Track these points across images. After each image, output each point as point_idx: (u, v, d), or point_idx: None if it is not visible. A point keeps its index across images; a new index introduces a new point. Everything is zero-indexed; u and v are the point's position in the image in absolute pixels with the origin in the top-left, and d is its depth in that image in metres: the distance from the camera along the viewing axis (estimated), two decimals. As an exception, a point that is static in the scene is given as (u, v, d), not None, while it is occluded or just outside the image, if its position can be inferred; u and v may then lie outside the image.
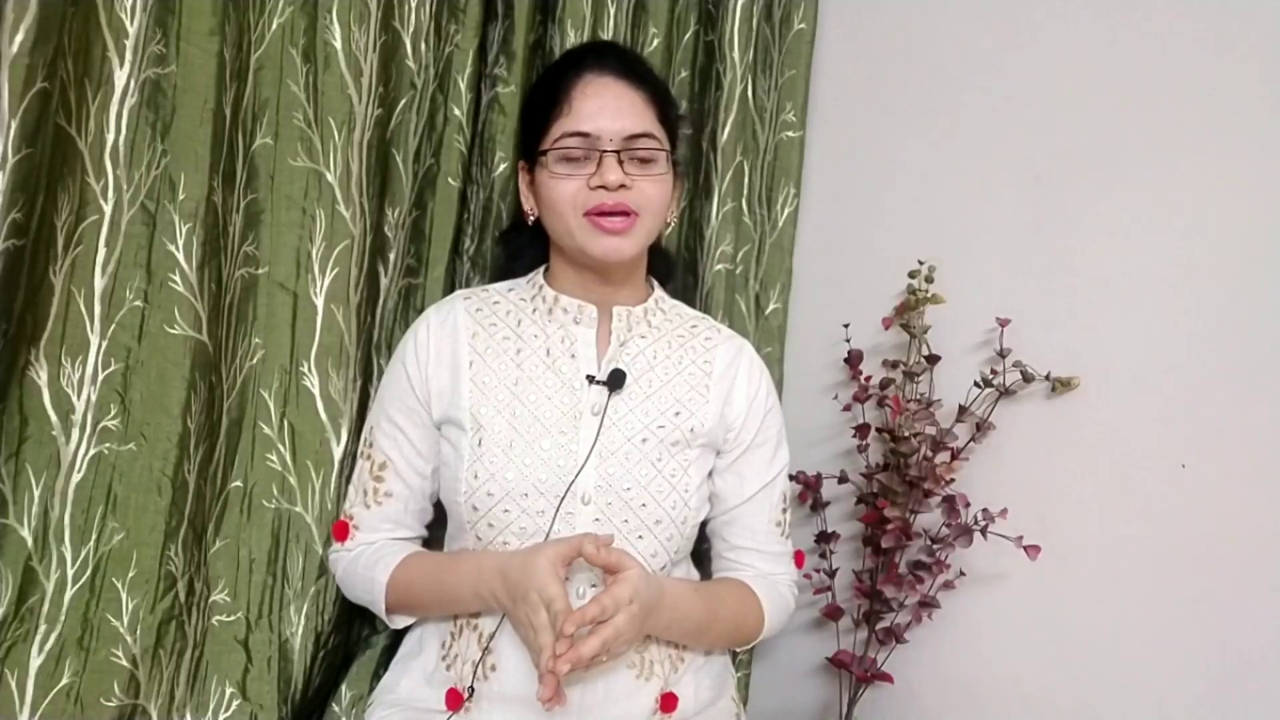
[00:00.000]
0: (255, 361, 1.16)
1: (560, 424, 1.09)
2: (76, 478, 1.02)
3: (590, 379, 1.11)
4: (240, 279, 1.15)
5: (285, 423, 1.16)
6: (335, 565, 1.15)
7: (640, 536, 1.08)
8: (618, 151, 1.06)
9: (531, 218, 1.15)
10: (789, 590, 1.22)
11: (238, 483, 1.15)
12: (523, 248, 1.23)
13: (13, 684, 0.97)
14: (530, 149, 1.12)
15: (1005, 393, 1.27)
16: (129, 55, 1.02)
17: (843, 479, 1.38)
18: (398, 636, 1.19)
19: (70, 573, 1.01)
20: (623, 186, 1.05)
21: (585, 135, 1.06)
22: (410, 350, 1.13)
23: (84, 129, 1.00)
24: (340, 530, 1.14)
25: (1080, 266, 1.25)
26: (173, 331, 1.06)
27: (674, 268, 1.31)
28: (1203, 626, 1.14)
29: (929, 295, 1.31)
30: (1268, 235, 1.12)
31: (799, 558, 1.24)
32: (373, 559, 1.11)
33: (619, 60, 1.12)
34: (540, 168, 1.10)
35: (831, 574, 1.37)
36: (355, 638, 1.27)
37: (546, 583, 0.95)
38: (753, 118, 1.47)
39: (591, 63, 1.10)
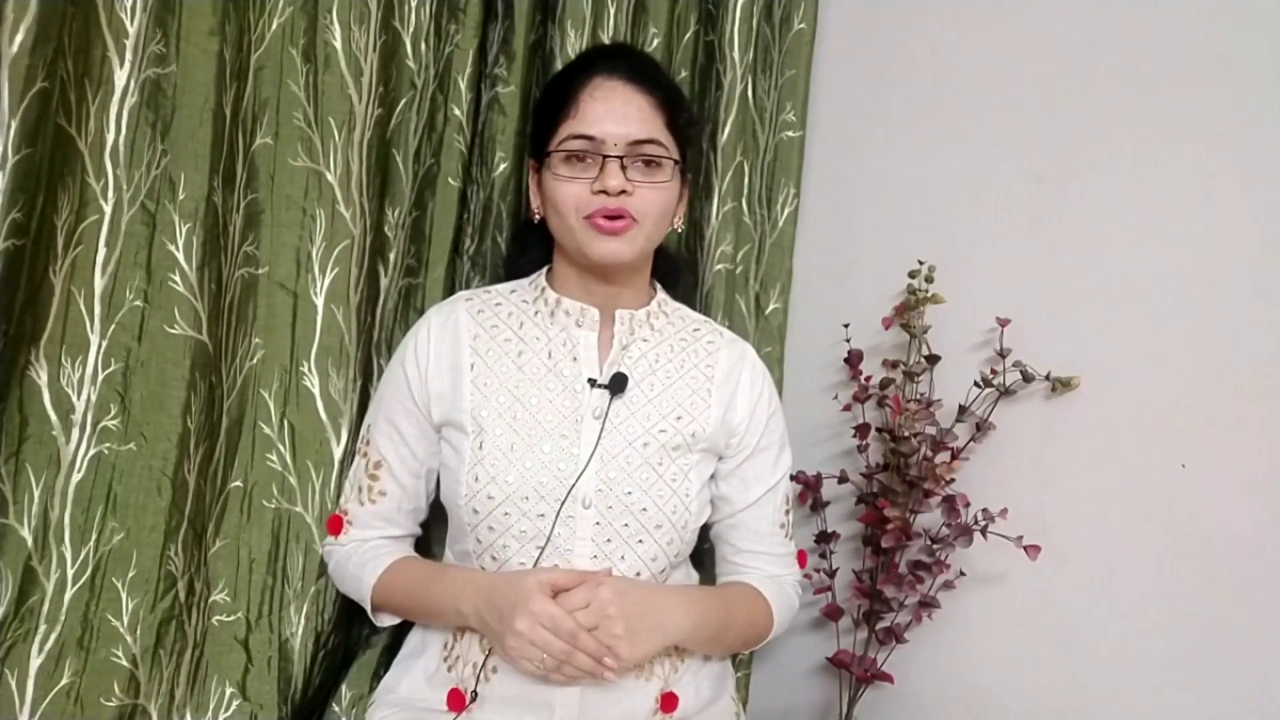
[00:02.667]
0: (255, 361, 1.16)
1: (561, 427, 1.09)
2: (76, 478, 1.02)
3: (592, 382, 1.10)
4: (240, 279, 1.14)
5: (285, 423, 1.16)
6: (329, 558, 1.16)
7: (640, 540, 1.08)
8: (620, 157, 1.05)
9: (536, 216, 1.15)
10: (794, 590, 1.23)
11: (238, 483, 1.15)
12: (530, 245, 1.23)
13: (13, 684, 0.97)
14: (538, 148, 1.12)
15: (1005, 393, 1.27)
16: (129, 55, 1.02)
17: (843, 479, 1.38)
18: (399, 636, 1.19)
19: (70, 573, 1.01)
20: (624, 193, 1.05)
21: (590, 138, 1.06)
22: (411, 352, 1.13)
23: (84, 129, 1.00)
24: (334, 524, 1.15)
25: (1080, 266, 1.25)
26: (173, 331, 1.06)
27: (679, 273, 1.31)
28: (1202, 626, 1.14)
29: (929, 295, 1.31)
30: (1268, 235, 1.12)
31: (801, 557, 1.25)
32: (363, 559, 1.12)
33: (630, 64, 1.11)
34: (546, 168, 1.09)
35: (831, 574, 1.37)
36: (355, 638, 1.27)
37: (541, 602, 0.97)
38: (753, 118, 1.47)
39: (602, 65, 1.09)
